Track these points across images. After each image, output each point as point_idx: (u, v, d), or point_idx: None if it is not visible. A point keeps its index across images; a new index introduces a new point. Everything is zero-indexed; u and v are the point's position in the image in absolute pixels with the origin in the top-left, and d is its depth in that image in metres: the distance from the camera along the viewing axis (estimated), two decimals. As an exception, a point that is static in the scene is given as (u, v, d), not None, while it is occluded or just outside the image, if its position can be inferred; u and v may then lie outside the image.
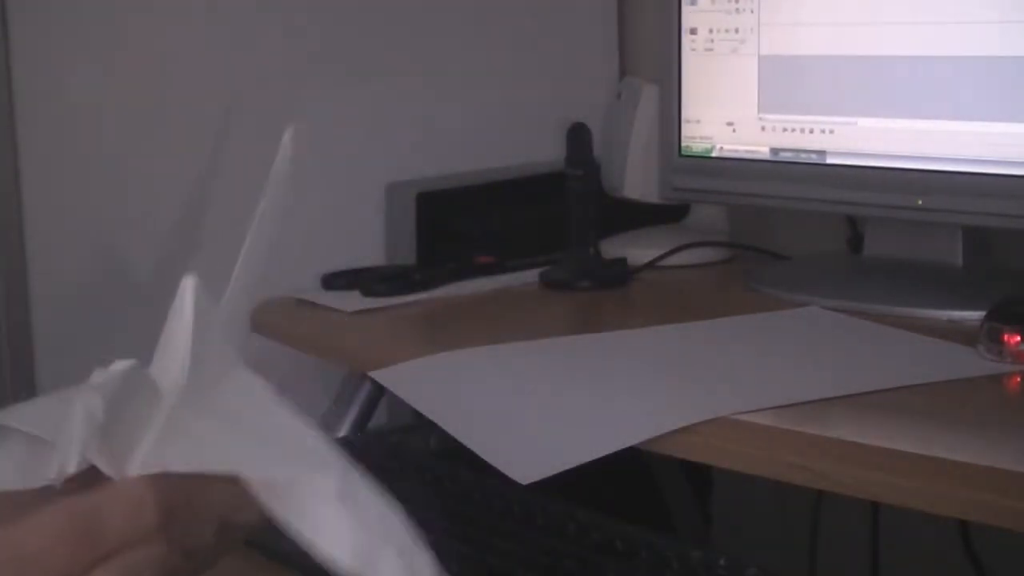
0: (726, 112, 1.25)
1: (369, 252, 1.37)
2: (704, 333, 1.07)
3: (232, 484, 0.50)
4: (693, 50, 1.27)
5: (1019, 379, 0.90)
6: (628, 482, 1.27)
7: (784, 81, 1.21)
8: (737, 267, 1.33)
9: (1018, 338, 0.91)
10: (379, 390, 1.12)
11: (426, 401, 0.94)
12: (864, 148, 1.15)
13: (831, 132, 1.18)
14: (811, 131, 1.19)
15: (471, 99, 1.46)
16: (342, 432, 1.35)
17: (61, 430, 0.49)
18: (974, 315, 0.99)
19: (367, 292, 1.21)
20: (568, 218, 1.26)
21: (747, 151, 1.24)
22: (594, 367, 1.00)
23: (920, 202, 1.11)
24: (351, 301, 1.20)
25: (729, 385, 0.92)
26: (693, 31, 1.26)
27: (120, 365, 0.52)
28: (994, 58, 1.06)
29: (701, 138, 1.27)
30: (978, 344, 0.93)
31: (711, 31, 1.25)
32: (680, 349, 1.03)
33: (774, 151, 1.22)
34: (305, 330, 1.19)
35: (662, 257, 1.31)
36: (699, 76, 1.27)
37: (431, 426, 0.94)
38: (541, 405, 0.93)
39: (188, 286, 0.54)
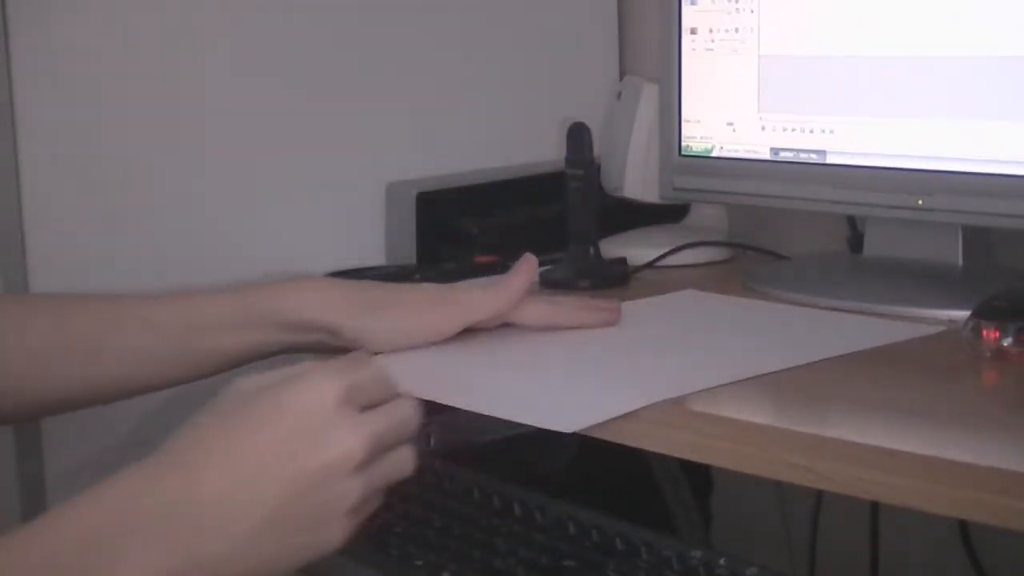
0: (726, 112, 1.25)
1: (369, 252, 1.37)
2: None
3: None
4: (693, 50, 1.27)
5: (998, 374, 0.90)
6: (628, 482, 1.27)
7: (784, 81, 1.21)
8: (737, 267, 1.33)
9: (997, 334, 0.91)
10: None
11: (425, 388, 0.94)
12: (864, 148, 1.15)
13: (831, 132, 1.17)
14: (811, 131, 1.19)
15: (471, 99, 1.46)
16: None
17: None
18: (974, 315, 0.99)
19: (367, 292, 1.21)
20: (568, 218, 1.26)
21: (747, 151, 1.24)
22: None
23: (920, 202, 1.11)
24: (351, 301, 1.20)
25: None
26: (693, 31, 1.26)
27: None
28: (994, 58, 1.06)
29: (701, 138, 1.27)
30: (962, 340, 0.93)
31: (711, 31, 1.25)
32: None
33: (774, 151, 1.22)
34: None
35: (662, 257, 1.31)
36: (699, 76, 1.27)
37: (431, 426, 0.94)
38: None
39: None
